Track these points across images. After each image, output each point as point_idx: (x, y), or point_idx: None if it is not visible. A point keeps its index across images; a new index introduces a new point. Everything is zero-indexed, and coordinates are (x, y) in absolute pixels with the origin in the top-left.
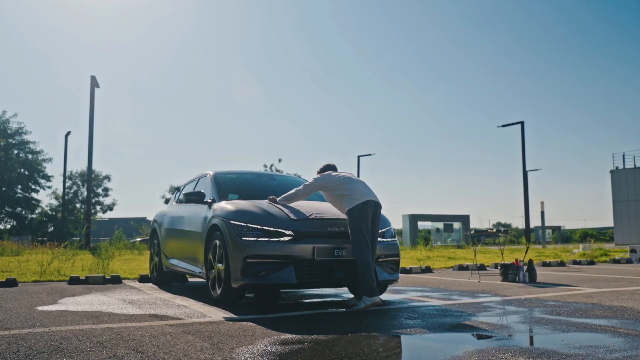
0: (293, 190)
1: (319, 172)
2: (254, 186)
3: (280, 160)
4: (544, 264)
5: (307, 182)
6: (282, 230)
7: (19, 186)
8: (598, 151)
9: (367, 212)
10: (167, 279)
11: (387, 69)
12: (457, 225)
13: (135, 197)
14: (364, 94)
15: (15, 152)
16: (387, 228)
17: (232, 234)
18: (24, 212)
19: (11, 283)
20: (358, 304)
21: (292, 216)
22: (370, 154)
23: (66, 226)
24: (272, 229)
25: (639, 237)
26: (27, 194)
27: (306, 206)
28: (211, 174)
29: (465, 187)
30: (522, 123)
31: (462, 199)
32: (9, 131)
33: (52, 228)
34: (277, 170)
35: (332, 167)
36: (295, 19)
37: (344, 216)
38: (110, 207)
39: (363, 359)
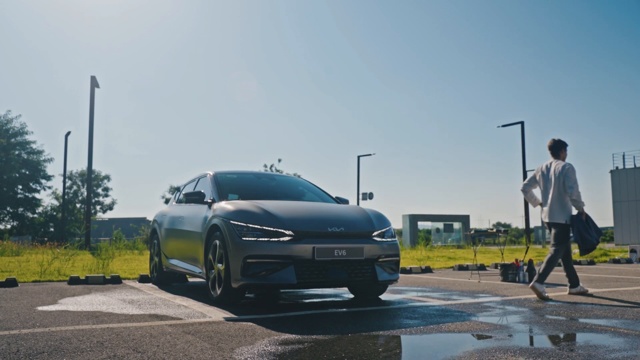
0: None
1: (554, 148)
2: (254, 186)
3: (280, 160)
4: None
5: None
6: (282, 230)
7: (20, 186)
8: (598, 151)
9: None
10: (167, 279)
11: (387, 69)
12: (457, 225)
13: (135, 197)
14: (364, 94)
15: (17, 152)
16: (387, 228)
17: (232, 234)
18: (26, 213)
19: (11, 283)
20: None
21: (292, 216)
22: (370, 154)
23: (67, 226)
24: (272, 229)
25: (639, 237)
26: (28, 194)
27: (306, 206)
28: (211, 174)
29: (465, 187)
30: (522, 123)
31: (462, 199)
32: (11, 131)
33: (53, 228)
34: (277, 170)
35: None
36: (295, 19)
37: (344, 216)
38: (110, 207)
39: (363, 359)
